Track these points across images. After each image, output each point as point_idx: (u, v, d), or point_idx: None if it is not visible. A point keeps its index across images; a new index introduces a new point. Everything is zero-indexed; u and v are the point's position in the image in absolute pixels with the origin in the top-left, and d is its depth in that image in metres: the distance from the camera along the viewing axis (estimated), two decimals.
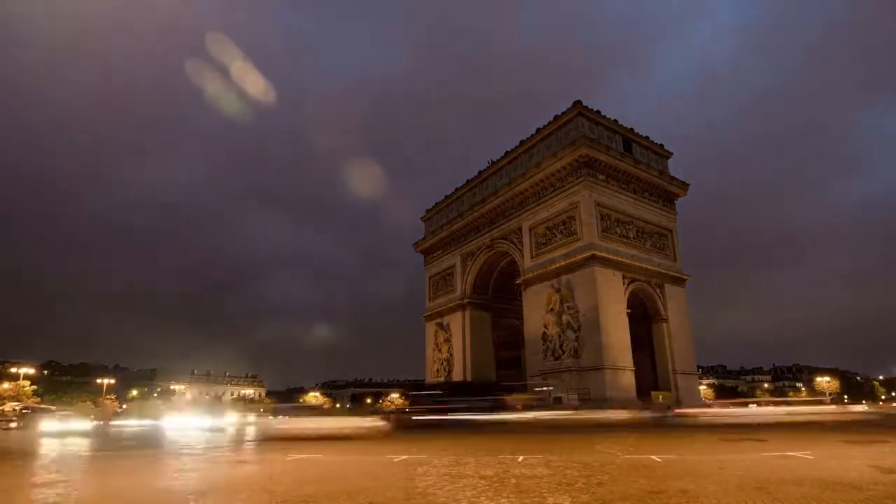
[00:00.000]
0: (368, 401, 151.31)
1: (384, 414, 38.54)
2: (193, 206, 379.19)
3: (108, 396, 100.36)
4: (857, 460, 11.60)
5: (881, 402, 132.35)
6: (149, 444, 25.57)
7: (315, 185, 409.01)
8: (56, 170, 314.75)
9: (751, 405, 54.57)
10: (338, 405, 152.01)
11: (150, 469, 13.91)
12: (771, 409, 49.48)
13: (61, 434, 33.77)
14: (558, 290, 61.93)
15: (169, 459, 16.58)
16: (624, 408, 49.59)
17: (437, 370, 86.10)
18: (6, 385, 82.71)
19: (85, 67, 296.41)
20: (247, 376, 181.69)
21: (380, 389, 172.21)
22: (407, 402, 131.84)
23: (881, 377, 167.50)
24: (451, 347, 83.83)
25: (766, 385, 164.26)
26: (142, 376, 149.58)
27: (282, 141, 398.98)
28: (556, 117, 68.00)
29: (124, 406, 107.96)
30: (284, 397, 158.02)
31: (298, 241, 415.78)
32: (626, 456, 13.32)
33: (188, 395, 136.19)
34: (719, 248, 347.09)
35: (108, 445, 25.08)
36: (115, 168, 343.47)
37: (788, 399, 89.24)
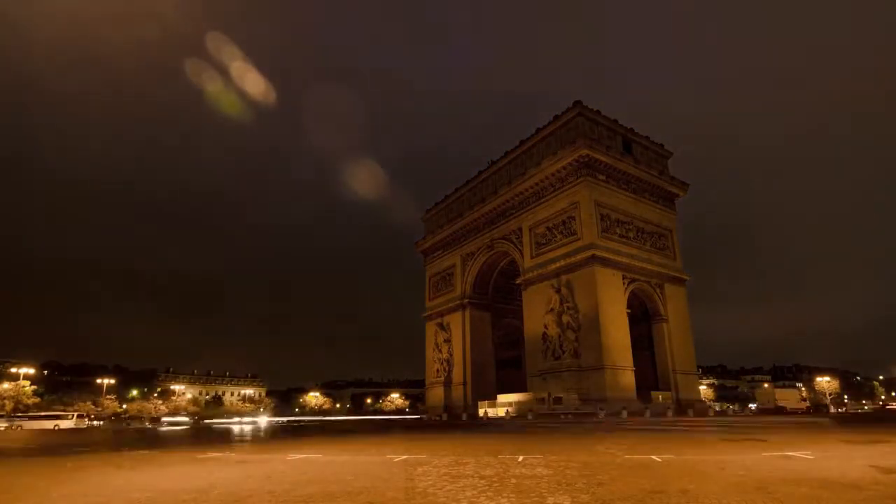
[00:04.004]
0: (368, 401, 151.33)
1: None
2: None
3: (108, 396, 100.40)
4: (857, 460, 11.59)
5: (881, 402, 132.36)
6: None
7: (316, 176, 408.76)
8: (57, 169, 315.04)
9: None
10: (338, 405, 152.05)
11: (151, 470, 13.92)
12: None
13: None
14: (558, 290, 61.90)
15: (169, 461, 16.58)
16: (625, 408, 49.66)
17: (437, 370, 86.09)
18: (6, 385, 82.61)
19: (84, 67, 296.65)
20: (247, 376, 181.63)
21: (380, 389, 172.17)
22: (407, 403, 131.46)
23: (881, 377, 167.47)
24: (451, 347, 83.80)
25: (765, 385, 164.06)
26: (142, 376, 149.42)
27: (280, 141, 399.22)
28: (557, 117, 67.99)
29: (124, 406, 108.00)
30: (284, 397, 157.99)
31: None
32: (627, 456, 13.31)
33: (188, 395, 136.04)
34: (720, 246, 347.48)
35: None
36: (121, 167, 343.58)
37: None
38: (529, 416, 53.24)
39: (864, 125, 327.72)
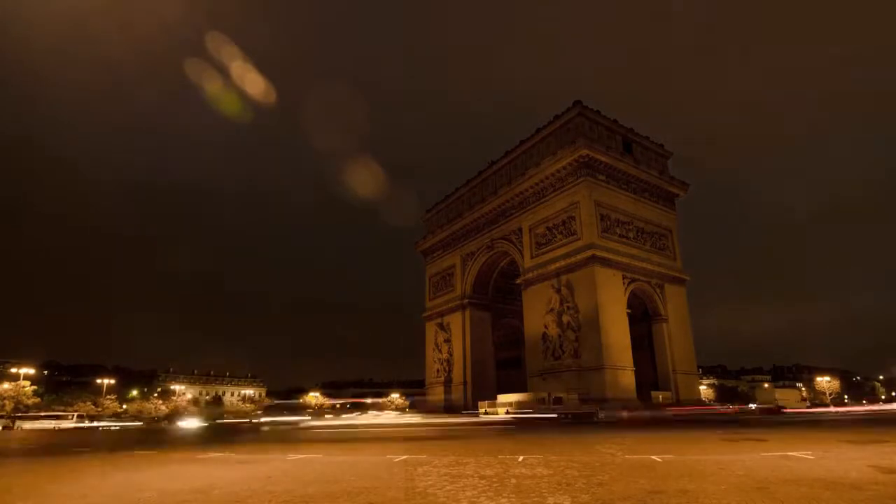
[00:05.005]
0: (369, 401, 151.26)
1: None
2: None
3: (108, 397, 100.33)
4: (857, 460, 11.58)
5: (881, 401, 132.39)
6: None
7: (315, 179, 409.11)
8: (56, 168, 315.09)
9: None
10: (338, 405, 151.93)
11: (150, 470, 13.92)
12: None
13: None
14: (558, 290, 61.86)
15: (171, 460, 16.59)
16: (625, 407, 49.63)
17: (438, 370, 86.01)
18: (6, 385, 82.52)
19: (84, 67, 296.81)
20: (248, 376, 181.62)
21: (380, 389, 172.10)
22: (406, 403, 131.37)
23: (881, 377, 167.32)
24: (451, 347, 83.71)
25: (766, 385, 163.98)
26: (142, 376, 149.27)
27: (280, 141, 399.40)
28: (556, 117, 67.90)
29: (124, 406, 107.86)
30: (284, 397, 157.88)
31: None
32: (627, 456, 13.31)
33: (188, 395, 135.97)
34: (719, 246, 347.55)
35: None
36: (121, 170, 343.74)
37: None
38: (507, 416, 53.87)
39: (867, 126, 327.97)
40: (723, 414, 58.22)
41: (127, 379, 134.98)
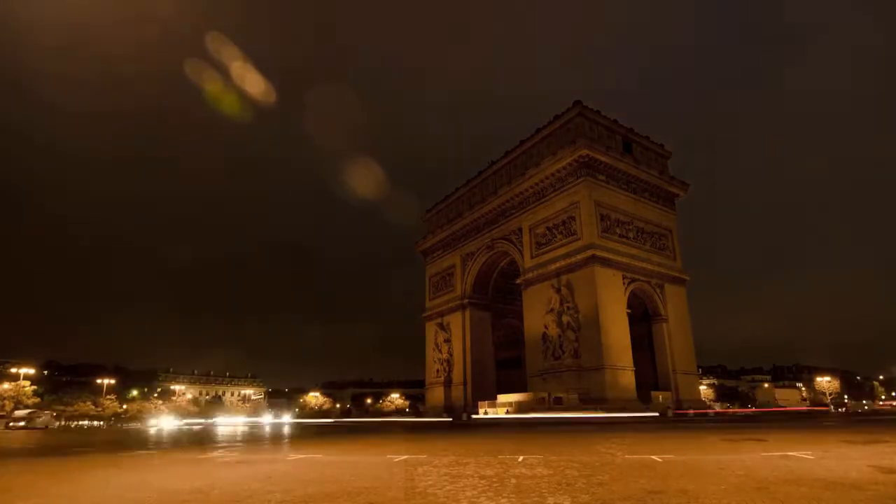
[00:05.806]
0: (369, 401, 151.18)
1: None
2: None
3: (108, 397, 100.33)
4: (857, 460, 11.57)
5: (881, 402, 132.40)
6: None
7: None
8: (55, 170, 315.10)
9: None
10: (338, 406, 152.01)
11: (151, 470, 13.91)
12: None
13: None
14: (558, 290, 61.88)
15: (170, 460, 16.59)
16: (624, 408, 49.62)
17: (437, 370, 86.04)
18: (6, 385, 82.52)
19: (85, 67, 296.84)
20: (248, 376, 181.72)
21: (380, 390, 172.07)
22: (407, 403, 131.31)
23: (881, 377, 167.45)
24: (451, 347, 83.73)
25: (766, 385, 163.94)
26: (142, 376, 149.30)
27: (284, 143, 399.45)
28: (556, 117, 67.95)
29: (124, 406, 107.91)
30: (284, 397, 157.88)
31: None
32: (627, 456, 13.30)
33: (188, 395, 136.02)
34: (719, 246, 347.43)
35: None
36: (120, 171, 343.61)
37: None
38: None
39: (868, 126, 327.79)
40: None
41: (127, 379, 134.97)
